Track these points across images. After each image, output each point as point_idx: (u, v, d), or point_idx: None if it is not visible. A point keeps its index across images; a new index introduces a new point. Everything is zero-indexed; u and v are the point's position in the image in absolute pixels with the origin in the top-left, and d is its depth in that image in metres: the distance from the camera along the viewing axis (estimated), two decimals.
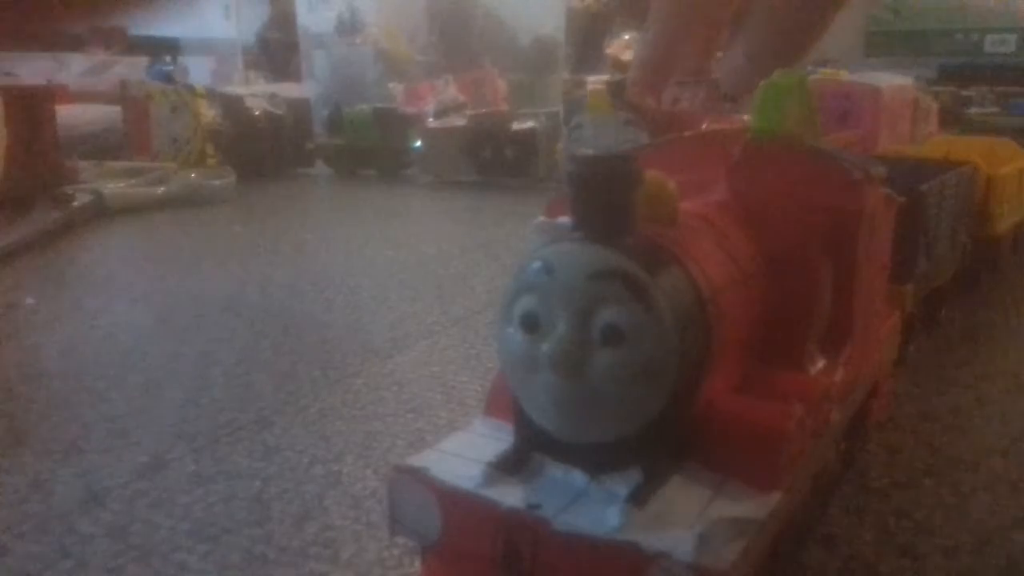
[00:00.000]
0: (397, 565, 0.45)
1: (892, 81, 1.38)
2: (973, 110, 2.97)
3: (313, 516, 0.49)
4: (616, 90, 1.43)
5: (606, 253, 0.36)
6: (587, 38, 3.74)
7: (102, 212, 1.42)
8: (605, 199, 0.37)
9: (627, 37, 4.44)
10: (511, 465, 0.40)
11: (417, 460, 0.41)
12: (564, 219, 0.41)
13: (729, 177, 0.48)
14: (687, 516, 0.36)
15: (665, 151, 0.52)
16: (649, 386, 0.36)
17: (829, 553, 0.45)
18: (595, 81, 2.23)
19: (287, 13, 3.67)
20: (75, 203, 1.38)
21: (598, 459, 0.39)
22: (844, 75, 1.69)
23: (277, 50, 3.67)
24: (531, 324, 0.37)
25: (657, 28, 0.55)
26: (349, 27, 2.52)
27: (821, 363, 0.46)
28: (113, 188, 1.48)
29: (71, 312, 0.91)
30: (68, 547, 0.46)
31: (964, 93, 3.29)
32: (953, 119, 2.77)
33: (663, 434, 0.38)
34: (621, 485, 0.38)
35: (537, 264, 0.38)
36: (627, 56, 4.25)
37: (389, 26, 2.58)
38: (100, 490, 0.52)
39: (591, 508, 0.37)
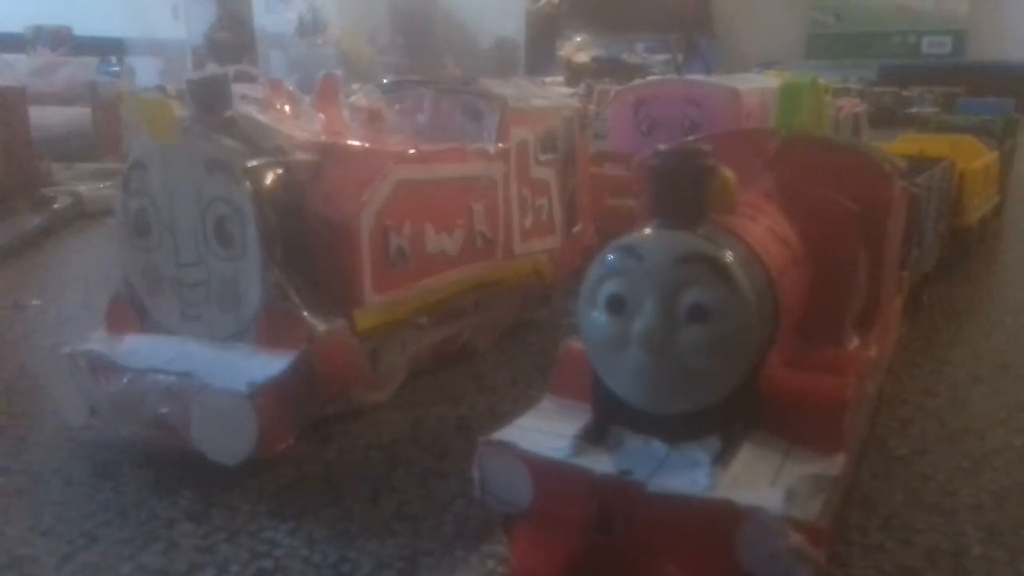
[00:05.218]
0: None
1: (751, 83, 1.09)
2: (913, 109, 3.11)
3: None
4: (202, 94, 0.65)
5: (690, 239, 0.40)
6: (540, 40, 3.78)
7: (82, 214, 1.41)
8: (684, 189, 0.41)
9: (579, 39, 4.51)
10: (594, 437, 0.43)
11: (500, 435, 0.44)
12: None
13: (769, 169, 0.52)
14: (766, 476, 0.40)
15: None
16: (731, 359, 0.40)
17: (869, 512, 0.49)
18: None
19: (237, 13, 3.64)
20: (56, 205, 1.36)
21: (677, 429, 0.42)
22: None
23: (226, 51, 3.64)
24: (617, 306, 0.41)
25: None
26: (311, 27, 2.52)
27: (855, 341, 0.50)
28: (91, 190, 1.46)
29: (80, 313, 0.91)
30: (154, 532, 0.48)
31: (904, 93, 3.44)
32: (892, 118, 2.90)
33: (740, 404, 0.41)
34: (700, 452, 0.41)
35: (621, 251, 0.41)
36: (580, 58, 4.33)
37: (350, 27, 2.58)
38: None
39: (678, 472, 0.40)
